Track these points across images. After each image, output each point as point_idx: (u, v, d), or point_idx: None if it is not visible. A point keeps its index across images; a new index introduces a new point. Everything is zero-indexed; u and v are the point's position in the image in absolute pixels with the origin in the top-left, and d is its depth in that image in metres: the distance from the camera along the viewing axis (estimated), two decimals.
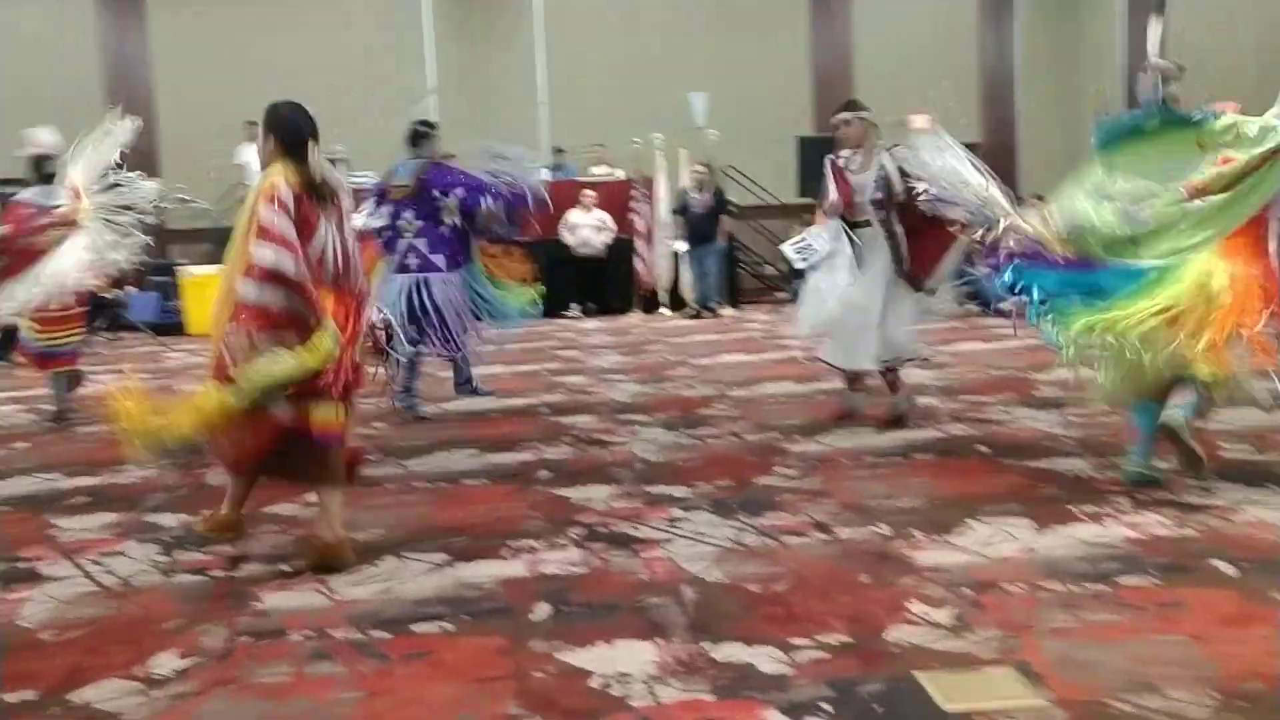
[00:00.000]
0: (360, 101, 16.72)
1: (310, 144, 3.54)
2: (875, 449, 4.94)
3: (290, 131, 3.55)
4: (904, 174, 5.28)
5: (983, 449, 4.89)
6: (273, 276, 3.29)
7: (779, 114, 16.89)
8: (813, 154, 14.27)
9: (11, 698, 2.48)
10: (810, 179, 14.08)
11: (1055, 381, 6.55)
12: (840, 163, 5.62)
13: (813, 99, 17.80)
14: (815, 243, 5.66)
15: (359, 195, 14.02)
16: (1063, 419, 5.42)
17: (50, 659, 2.72)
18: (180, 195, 16.07)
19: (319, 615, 2.95)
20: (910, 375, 7.15)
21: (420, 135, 6.30)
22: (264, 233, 3.32)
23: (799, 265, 6.02)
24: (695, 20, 17.49)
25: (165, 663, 2.64)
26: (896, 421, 5.41)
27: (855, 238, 5.46)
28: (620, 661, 2.55)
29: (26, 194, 6.02)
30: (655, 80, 16.77)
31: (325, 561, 3.37)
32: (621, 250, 13.98)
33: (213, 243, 15.47)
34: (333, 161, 13.00)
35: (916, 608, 2.83)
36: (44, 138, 6.38)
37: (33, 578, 3.42)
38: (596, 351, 9.56)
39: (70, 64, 16.63)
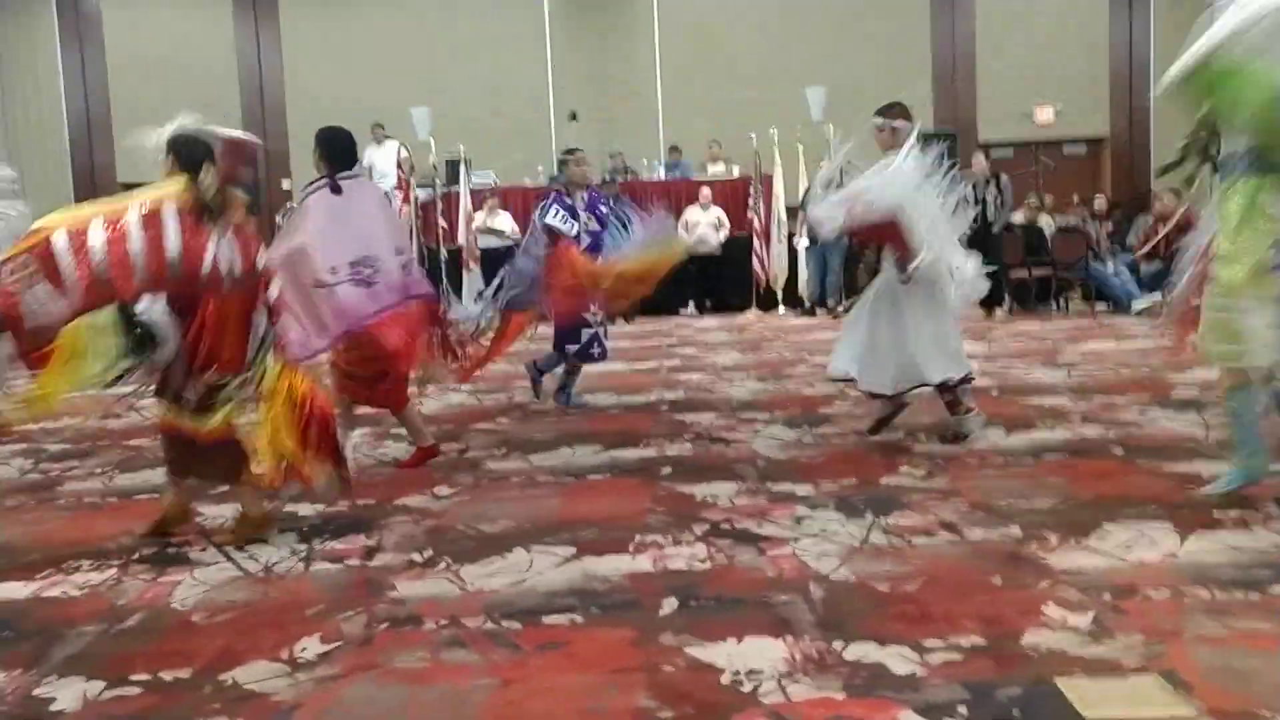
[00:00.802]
0: (480, 103, 17.07)
1: (205, 165, 3.74)
2: (1004, 449, 4.84)
3: (186, 153, 3.79)
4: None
5: (1117, 450, 4.73)
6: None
7: None
8: (932, 149, 14.04)
9: (167, 675, 2.60)
10: None
11: (1194, 382, 6.32)
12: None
13: (933, 92, 17.51)
14: None
15: (478, 196, 14.29)
16: (1202, 421, 5.22)
17: (202, 640, 2.84)
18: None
19: (453, 604, 3.02)
20: (1037, 375, 6.99)
21: (560, 162, 6.68)
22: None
23: None
24: (813, 15, 17.36)
25: (309, 647, 2.74)
26: (955, 438, 5.06)
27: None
28: (750, 658, 2.55)
29: None
30: (772, 76, 16.72)
31: (253, 533, 3.81)
32: (738, 248, 13.95)
33: None
34: (454, 163, 13.34)
35: (1053, 611, 2.76)
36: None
37: (183, 562, 3.58)
38: (715, 349, 9.55)
39: (208, 71, 17.33)
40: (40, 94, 17.74)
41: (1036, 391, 6.39)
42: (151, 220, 3.55)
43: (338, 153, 4.91)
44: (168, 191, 3.67)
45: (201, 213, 3.67)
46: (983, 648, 2.55)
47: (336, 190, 4.76)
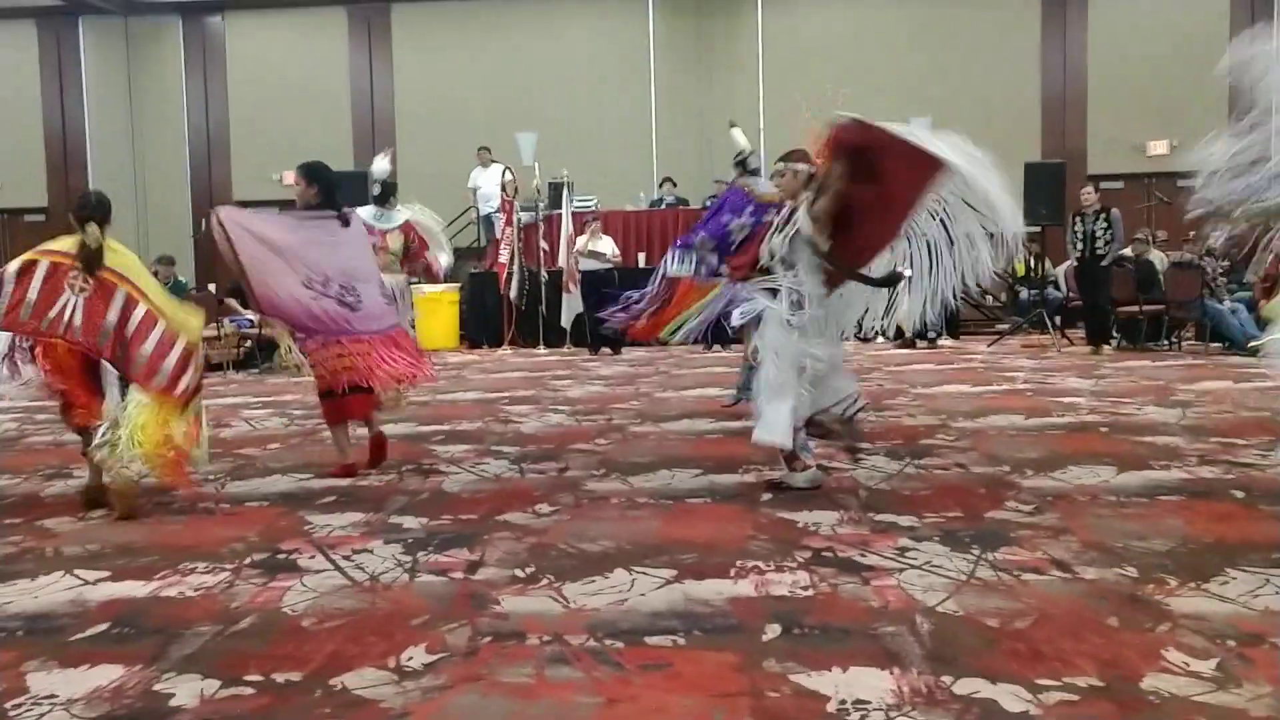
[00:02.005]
0: (585, 129, 17.28)
1: (88, 223, 4.53)
2: (1116, 488, 4.69)
3: (75, 209, 4.66)
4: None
5: (1237, 493, 4.56)
6: None
7: (1005, 138, 16.32)
8: (1040, 180, 13.76)
9: (279, 678, 2.66)
10: (1037, 205, 13.58)
11: None
12: (770, 218, 5.17)
13: (1041, 122, 17.20)
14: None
15: (580, 219, 14.47)
16: None
17: (312, 645, 2.90)
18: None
19: (556, 621, 3.04)
20: (1149, 414, 6.79)
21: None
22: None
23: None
24: (919, 44, 17.20)
25: (416, 656, 2.78)
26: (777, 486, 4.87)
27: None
28: (857, 688, 2.51)
29: (362, 211, 6.71)
30: (877, 105, 16.50)
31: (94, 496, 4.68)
32: None
33: None
34: (558, 185, 13.63)
35: (1174, 656, 2.66)
36: (380, 164, 7.48)
37: (293, 569, 3.66)
38: None
39: (322, 94, 17.87)
40: (165, 115, 18.49)
41: (1149, 430, 6.19)
42: (26, 271, 4.45)
43: (332, 188, 5.34)
44: (41, 253, 4.54)
45: (83, 264, 4.49)
46: (1100, 689, 2.47)
47: (346, 223, 5.25)
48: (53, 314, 4.42)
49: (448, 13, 17.88)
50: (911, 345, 12.92)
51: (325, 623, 3.09)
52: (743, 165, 6.88)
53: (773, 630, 2.93)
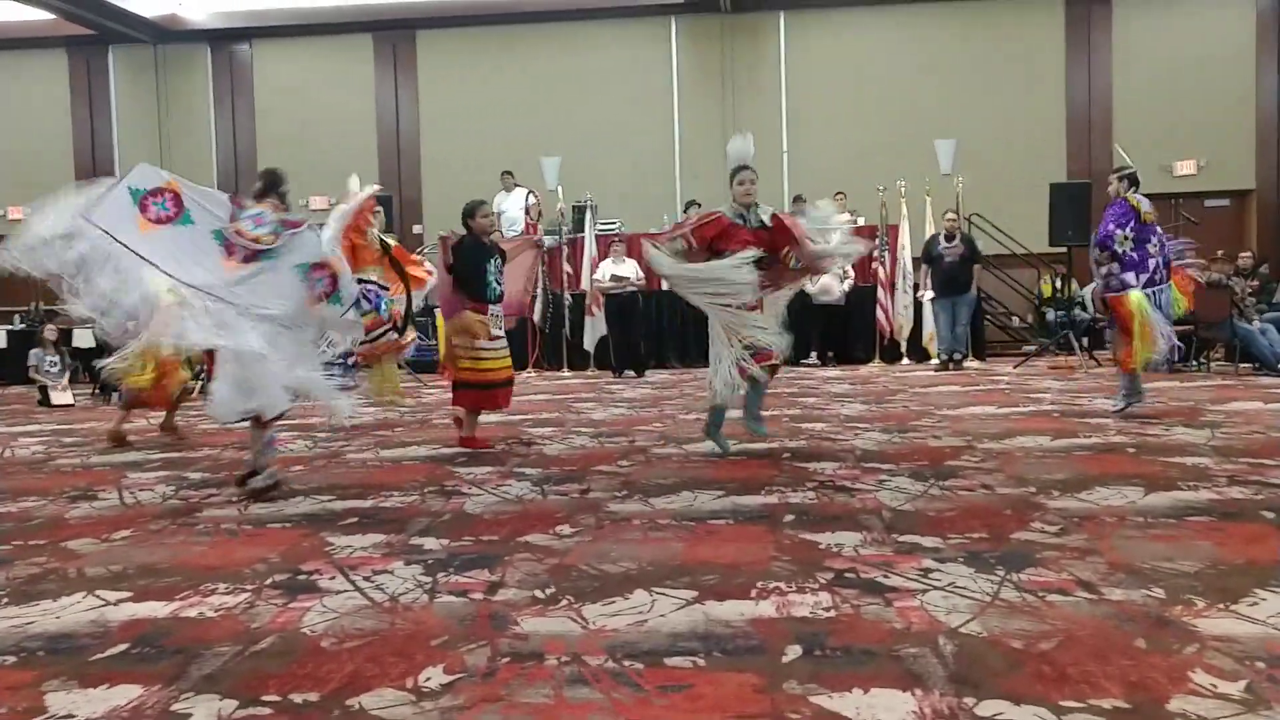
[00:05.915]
0: (608, 153, 17.34)
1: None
2: (1144, 509, 4.63)
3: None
4: None
5: (1268, 514, 4.49)
6: None
7: (1030, 159, 16.34)
8: (1065, 200, 13.70)
9: (297, 698, 2.65)
10: (1062, 226, 13.52)
11: None
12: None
13: (1066, 143, 17.14)
14: None
15: (603, 242, 14.56)
16: None
17: (331, 665, 2.89)
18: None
19: (575, 642, 3.01)
20: (1178, 435, 6.71)
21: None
22: None
23: None
24: (943, 66, 17.21)
25: (434, 676, 2.76)
26: (245, 480, 5.52)
27: None
28: (878, 709, 2.47)
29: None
30: (901, 127, 16.59)
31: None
32: (863, 298, 13.80)
33: None
34: (581, 208, 13.87)
35: (1202, 678, 2.61)
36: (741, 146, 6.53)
37: (313, 589, 3.66)
38: (838, 399, 9.43)
39: (348, 117, 18.04)
40: (193, 141, 18.72)
41: (1178, 451, 6.12)
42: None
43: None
44: None
45: None
46: (1126, 712, 2.43)
47: None
48: None
49: (472, 37, 18.03)
50: (945, 367, 12.85)
51: (345, 643, 3.08)
52: (1131, 180, 7.70)
53: (794, 651, 2.90)
